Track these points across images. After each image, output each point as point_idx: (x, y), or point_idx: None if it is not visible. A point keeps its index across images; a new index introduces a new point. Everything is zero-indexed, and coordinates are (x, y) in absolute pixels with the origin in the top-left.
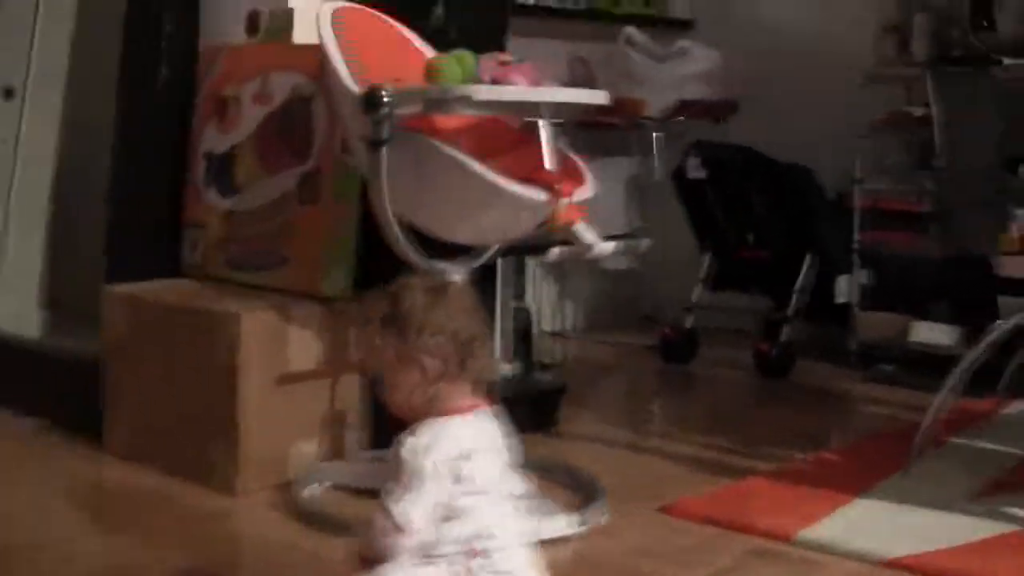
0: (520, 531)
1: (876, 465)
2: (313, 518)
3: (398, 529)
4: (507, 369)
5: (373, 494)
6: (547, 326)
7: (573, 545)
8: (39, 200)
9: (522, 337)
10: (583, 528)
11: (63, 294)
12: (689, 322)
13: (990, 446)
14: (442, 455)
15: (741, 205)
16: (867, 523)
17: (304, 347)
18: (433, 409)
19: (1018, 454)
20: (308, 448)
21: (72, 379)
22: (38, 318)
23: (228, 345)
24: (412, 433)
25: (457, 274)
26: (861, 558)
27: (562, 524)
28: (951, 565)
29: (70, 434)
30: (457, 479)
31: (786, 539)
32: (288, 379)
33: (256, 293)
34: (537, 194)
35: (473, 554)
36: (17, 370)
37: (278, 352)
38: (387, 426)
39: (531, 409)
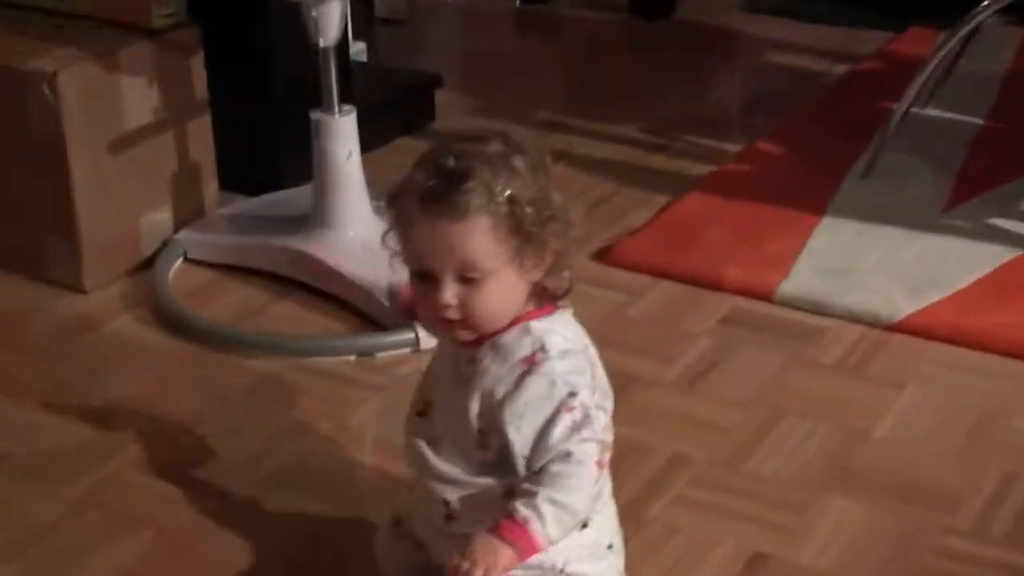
0: None
1: (823, 156)
2: (184, 323)
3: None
4: (358, 51)
5: (243, 271)
6: None
7: None
8: None
9: None
10: None
11: None
12: None
13: (939, 113)
14: (592, 365)
15: None
16: (846, 262)
17: (140, 96)
18: (519, 311)
19: (973, 123)
20: (160, 216)
21: None
22: None
23: (46, 113)
24: (542, 349)
25: None
26: (863, 321)
27: None
28: (968, 323)
29: None
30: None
31: (765, 296)
32: (126, 141)
33: (69, 35)
34: None
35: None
36: None
37: (110, 109)
38: (236, 169)
39: (400, 107)
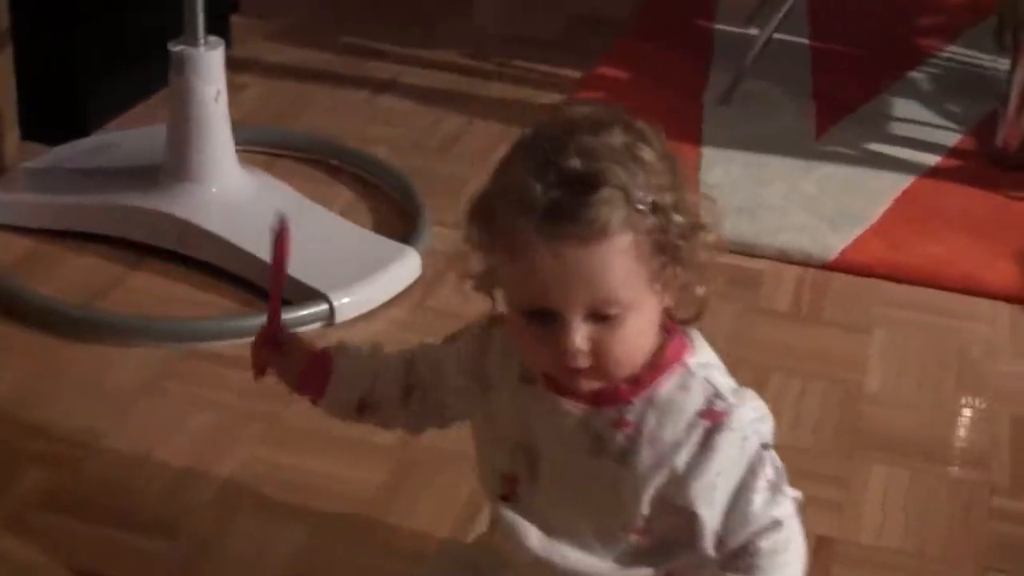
0: None
1: (668, 80)
2: (26, 306)
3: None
4: None
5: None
6: None
7: None
8: None
9: None
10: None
11: None
12: None
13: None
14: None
15: None
16: (751, 197)
17: None
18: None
19: (801, 43)
20: None
21: None
22: None
23: None
24: (716, 395)
25: None
26: (796, 261)
27: None
28: (902, 259)
29: None
30: None
31: None
32: None
33: None
34: None
35: None
36: None
37: None
38: (41, 114)
39: None
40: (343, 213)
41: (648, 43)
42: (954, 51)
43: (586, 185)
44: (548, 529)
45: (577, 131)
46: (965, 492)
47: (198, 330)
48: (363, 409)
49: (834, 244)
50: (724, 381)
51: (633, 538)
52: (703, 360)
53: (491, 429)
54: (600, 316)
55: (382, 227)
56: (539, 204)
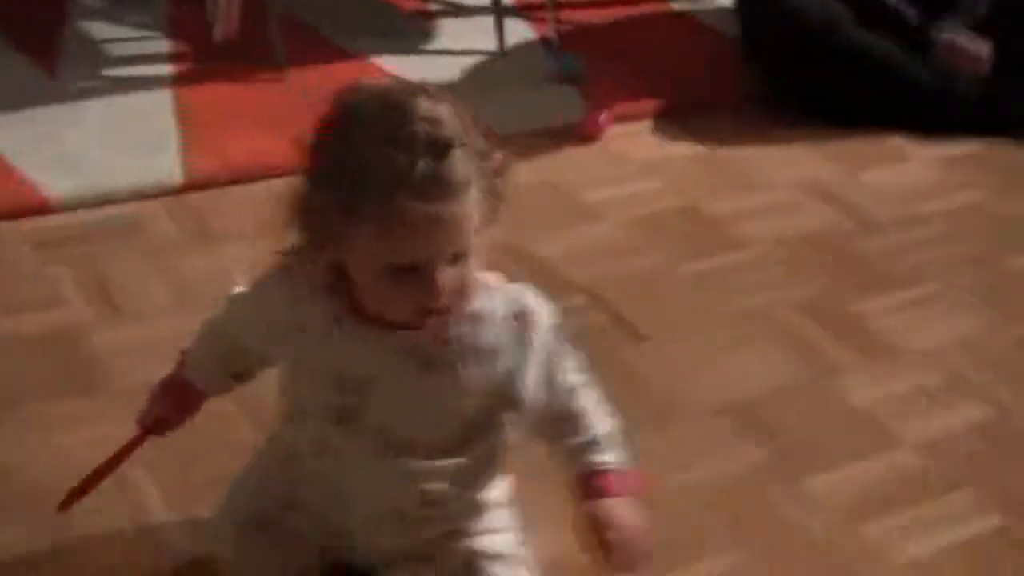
0: None
1: None
2: None
3: None
4: None
5: None
6: None
7: None
8: None
9: None
10: None
11: None
12: None
13: None
14: None
15: None
16: (51, 146)
17: None
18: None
19: None
20: None
21: None
22: None
23: None
24: (516, 301)
25: None
26: (151, 194)
27: None
28: (239, 159)
29: None
30: None
31: (40, 208)
32: None
33: None
34: None
35: None
36: None
37: None
38: None
39: None
40: None
41: None
42: None
43: (442, 148)
44: (384, 442)
45: (403, 101)
46: None
47: None
48: (239, 379)
49: (170, 169)
50: (512, 286)
51: (459, 431)
52: (489, 275)
53: (308, 368)
54: (454, 260)
55: None
56: (408, 172)
